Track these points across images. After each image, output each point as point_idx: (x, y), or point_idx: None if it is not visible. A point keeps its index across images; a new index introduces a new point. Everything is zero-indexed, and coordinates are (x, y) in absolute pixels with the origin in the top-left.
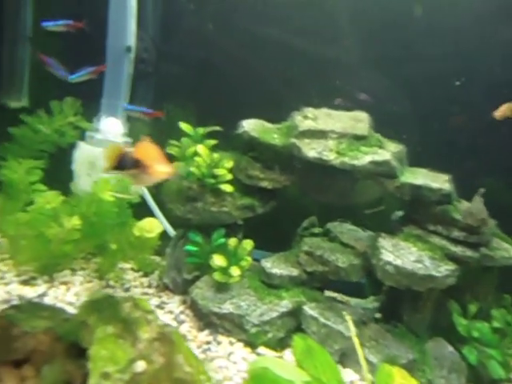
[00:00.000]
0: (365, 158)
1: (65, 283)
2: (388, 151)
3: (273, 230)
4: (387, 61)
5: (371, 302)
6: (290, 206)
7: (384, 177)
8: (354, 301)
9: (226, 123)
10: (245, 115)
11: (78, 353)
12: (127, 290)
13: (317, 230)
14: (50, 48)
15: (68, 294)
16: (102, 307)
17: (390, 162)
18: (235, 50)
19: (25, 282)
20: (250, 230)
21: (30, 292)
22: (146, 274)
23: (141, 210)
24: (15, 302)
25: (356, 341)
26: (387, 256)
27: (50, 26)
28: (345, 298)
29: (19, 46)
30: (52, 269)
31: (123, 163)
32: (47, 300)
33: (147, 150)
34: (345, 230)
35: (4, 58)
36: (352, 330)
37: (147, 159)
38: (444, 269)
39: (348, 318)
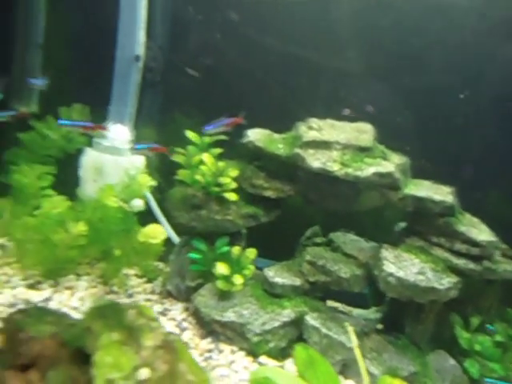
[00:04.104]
0: (368, 169)
1: (69, 288)
2: (392, 163)
3: (277, 239)
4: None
5: (373, 313)
6: (294, 215)
7: (387, 188)
8: (355, 311)
9: (232, 132)
10: (251, 124)
11: (83, 359)
12: (130, 296)
13: (319, 239)
14: (61, 57)
15: (72, 298)
16: (107, 314)
17: (393, 174)
18: (241, 59)
19: (31, 286)
20: (255, 238)
21: (36, 296)
22: (149, 281)
23: (146, 217)
24: (21, 306)
25: (358, 352)
26: (389, 267)
27: (211, 129)
28: (347, 309)
29: (30, 52)
30: (57, 273)
31: None
32: (52, 304)
33: None
34: (347, 240)
35: (16, 64)
36: (354, 341)
37: None
38: (446, 281)
39: (350, 328)
